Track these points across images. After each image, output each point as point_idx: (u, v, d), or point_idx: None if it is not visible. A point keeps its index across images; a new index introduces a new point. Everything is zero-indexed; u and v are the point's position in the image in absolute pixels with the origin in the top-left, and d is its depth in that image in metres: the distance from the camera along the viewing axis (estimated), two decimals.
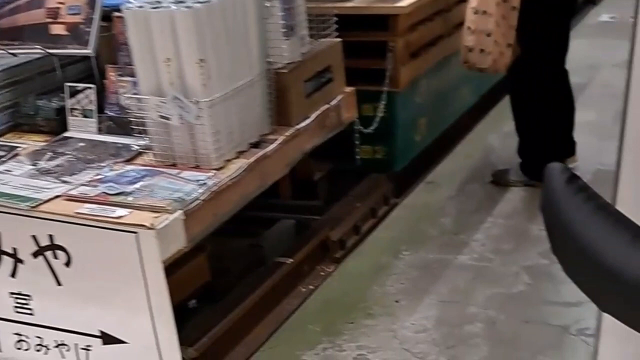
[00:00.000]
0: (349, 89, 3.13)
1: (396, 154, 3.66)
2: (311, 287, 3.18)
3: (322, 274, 3.27)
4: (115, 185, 2.42)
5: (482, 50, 3.28)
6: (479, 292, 3.07)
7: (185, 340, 2.60)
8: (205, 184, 2.44)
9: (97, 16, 2.81)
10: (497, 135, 4.34)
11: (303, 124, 2.87)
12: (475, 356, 2.72)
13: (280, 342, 2.90)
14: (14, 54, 2.92)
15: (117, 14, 2.74)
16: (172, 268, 2.54)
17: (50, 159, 2.66)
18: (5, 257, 2.46)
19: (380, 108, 3.42)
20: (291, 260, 3.12)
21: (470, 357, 2.72)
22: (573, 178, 1.26)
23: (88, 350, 2.47)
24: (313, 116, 2.92)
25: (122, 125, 2.71)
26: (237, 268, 3.14)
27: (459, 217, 3.63)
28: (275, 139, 2.74)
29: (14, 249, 2.43)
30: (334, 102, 3.04)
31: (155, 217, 2.26)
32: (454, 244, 3.40)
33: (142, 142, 2.64)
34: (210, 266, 2.84)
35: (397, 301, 3.07)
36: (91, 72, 2.88)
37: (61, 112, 2.83)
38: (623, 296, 1.20)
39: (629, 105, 1.42)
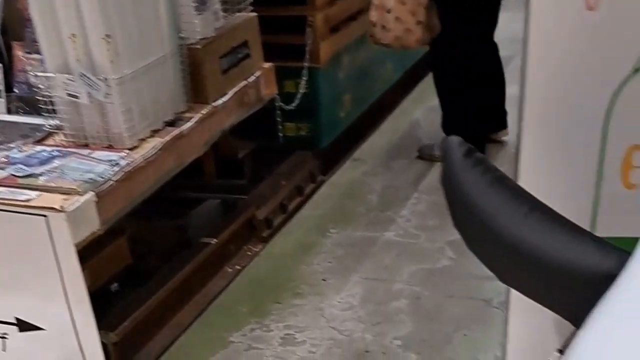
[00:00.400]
0: (267, 65, 3.08)
1: (321, 131, 3.63)
2: (238, 267, 3.15)
3: (249, 253, 3.24)
4: (25, 167, 2.33)
5: (383, 27, 3.31)
6: (405, 269, 3.07)
7: (106, 325, 2.56)
8: (117, 164, 2.37)
9: None
10: (423, 110, 4.33)
11: (220, 101, 2.81)
12: (400, 332, 2.73)
13: (207, 324, 2.87)
14: None
15: None
16: (90, 251, 2.49)
17: None
18: None
19: (301, 84, 3.38)
20: (215, 240, 3.07)
21: (395, 333, 2.73)
22: (471, 151, 1.23)
23: (4, 338, 2.39)
24: (230, 93, 2.86)
25: (32, 104, 2.61)
26: (162, 250, 3.09)
27: (385, 193, 3.62)
28: (192, 117, 2.67)
29: None
30: (252, 79, 2.99)
31: (66, 200, 2.19)
32: (380, 221, 3.39)
33: (53, 122, 2.54)
34: (133, 249, 2.77)
35: (324, 280, 3.05)
36: None
37: None
38: (520, 268, 1.18)
39: (526, 80, 1.40)
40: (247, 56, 2.94)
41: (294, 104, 3.35)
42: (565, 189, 1.42)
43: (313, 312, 2.88)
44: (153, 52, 2.50)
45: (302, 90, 3.39)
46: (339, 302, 2.92)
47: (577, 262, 1.09)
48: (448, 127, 3.73)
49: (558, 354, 1.19)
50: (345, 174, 3.82)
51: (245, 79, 2.95)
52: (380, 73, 4.15)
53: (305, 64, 3.33)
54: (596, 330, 1.01)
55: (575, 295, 1.10)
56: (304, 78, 3.35)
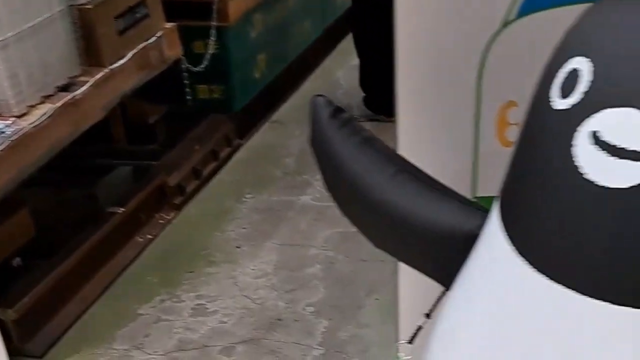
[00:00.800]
0: (170, 25, 2.94)
1: (234, 93, 3.50)
2: (149, 236, 3.05)
3: (161, 222, 3.14)
4: None
5: None
6: (320, 233, 3.01)
7: (4, 302, 2.46)
8: (3, 132, 2.25)
9: None
10: (345, 70, 4.22)
11: (118, 64, 2.68)
12: (313, 298, 2.68)
13: (115, 297, 2.78)
14: None
15: None
16: None
17: None
18: None
19: (210, 45, 3.24)
20: (122, 209, 2.96)
21: (309, 299, 2.68)
22: (337, 112, 1.18)
23: None
24: (129, 55, 2.72)
25: None
26: (68, 221, 2.97)
27: (303, 156, 3.53)
28: (87, 81, 2.55)
29: None
30: (153, 40, 2.84)
31: None
32: (297, 185, 3.32)
33: None
34: (37, 221, 2.65)
35: (238, 247, 2.98)
36: None
37: None
38: (388, 230, 1.16)
39: (397, 39, 1.33)
40: (146, 16, 2.79)
41: (202, 66, 3.22)
42: (445, 150, 1.36)
43: (226, 281, 2.81)
44: (39, 13, 2.35)
45: (210, 51, 3.25)
46: (252, 269, 2.86)
47: (441, 223, 1.07)
48: (366, 85, 3.64)
49: (425, 318, 1.16)
50: (263, 137, 3.72)
51: (145, 40, 2.81)
52: (297, 32, 4.02)
53: (213, 23, 3.20)
54: (460, 291, 1.02)
55: (441, 257, 1.09)
56: (212, 38, 3.22)
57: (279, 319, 2.61)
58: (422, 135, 1.36)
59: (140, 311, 2.68)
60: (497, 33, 1.17)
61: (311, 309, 2.64)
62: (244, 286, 2.77)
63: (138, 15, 2.75)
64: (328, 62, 4.34)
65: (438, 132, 1.34)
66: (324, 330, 2.56)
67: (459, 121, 1.29)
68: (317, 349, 2.49)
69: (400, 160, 1.16)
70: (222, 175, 3.45)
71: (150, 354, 2.52)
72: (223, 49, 3.33)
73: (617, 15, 0.81)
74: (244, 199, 3.26)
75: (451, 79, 1.27)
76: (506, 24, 1.15)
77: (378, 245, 1.23)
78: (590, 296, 0.80)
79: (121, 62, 2.68)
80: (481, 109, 1.25)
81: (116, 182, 3.20)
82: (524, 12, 1.13)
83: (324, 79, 4.20)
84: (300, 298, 2.69)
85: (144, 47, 2.78)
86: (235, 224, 3.11)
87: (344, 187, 1.19)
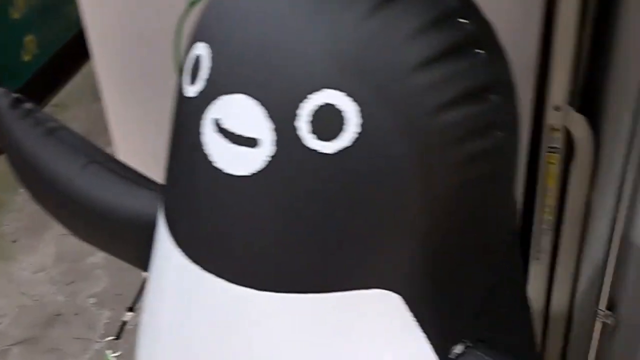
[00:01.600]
0: None
1: (1, 78, 3.28)
2: None
3: None
4: None
5: None
6: None
7: None
8: None
9: None
10: None
11: None
12: (95, 289, 2.60)
13: None
14: None
15: None
16: None
17: None
18: None
19: None
20: None
21: (90, 290, 2.60)
22: (18, 102, 1.15)
23: None
24: None
25: None
26: None
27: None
28: None
29: None
30: None
31: None
32: None
33: None
34: None
35: (14, 241, 2.84)
36: None
37: None
38: (82, 221, 1.14)
39: (89, 35, 1.24)
40: None
41: None
42: (160, 138, 1.30)
43: (0, 279, 2.65)
44: None
45: None
46: (30, 264, 2.74)
47: (131, 211, 1.07)
48: None
49: (130, 313, 1.13)
50: None
51: None
52: (71, 11, 3.80)
53: None
54: (151, 280, 1.01)
55: (138, 245, 1.07)
56: None
57: (59, 314, 2.52)
58: (134, 125, 1.30)
59: None
60: (185, 14, 1.12)
61: (93, 300, 2.56)
62: (21, 283, 2.65)
63: None
64: None
65: (149, 123, 1.29)
66: (106, 321, 2.48)
67: (167, 109, 1.23)
68: (99, 342, 2.41)
69: (91, 150, 1.13)
70: None
71: None
72: None
73: (234, 0, 0.79)
74: (21, 190, 3.07)
75: (150, 62, 1.21)
76: (192, 3, 1.11)
77: (80, 237, 1.19)
78: (234, 283, 0.80)
79: None
80: None
81: None
82: None
83: None
84: (82, 290, 2.60)
85: None
86: (11, 218, 2.95)
87: (33, 180, 1.15)
